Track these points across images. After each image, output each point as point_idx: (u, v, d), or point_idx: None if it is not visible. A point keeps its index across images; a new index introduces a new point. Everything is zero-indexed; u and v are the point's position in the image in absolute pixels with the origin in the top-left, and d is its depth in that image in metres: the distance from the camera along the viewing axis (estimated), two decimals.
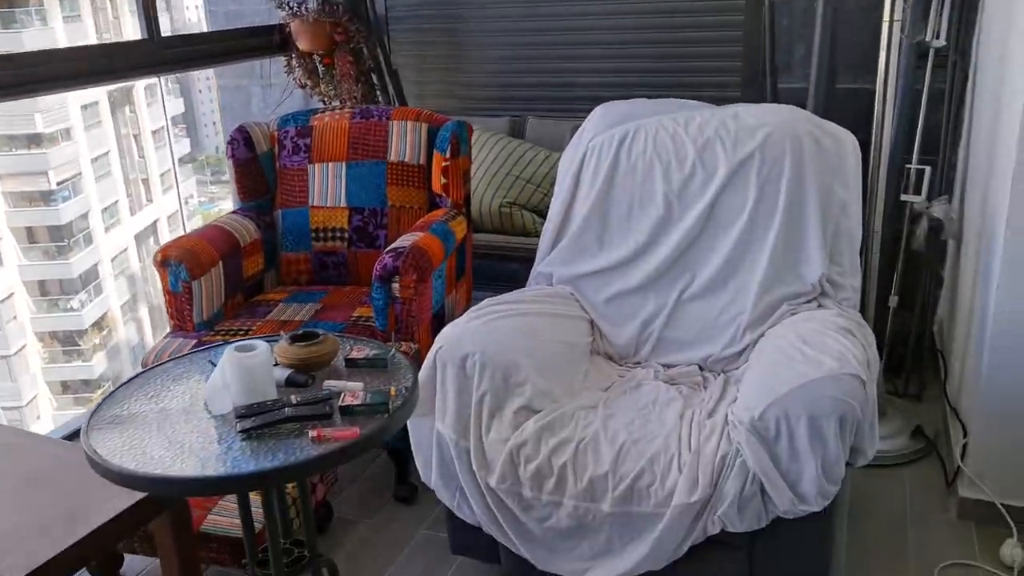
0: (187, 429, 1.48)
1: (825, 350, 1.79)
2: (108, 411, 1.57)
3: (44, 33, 16.66)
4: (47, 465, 1.79)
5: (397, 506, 2.38)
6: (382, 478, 2.51)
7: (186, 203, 21.75)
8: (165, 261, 2.34)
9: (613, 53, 3.15)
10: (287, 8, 3.13)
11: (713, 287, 2.17)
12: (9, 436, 1.93)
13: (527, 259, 2.90)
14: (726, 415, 1.82)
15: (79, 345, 17.75)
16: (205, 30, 3.60)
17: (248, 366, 1.50)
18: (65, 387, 17.78)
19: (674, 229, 2.21)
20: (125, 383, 1.68)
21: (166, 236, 20.20)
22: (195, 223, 21.76)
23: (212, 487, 1.35)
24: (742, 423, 1.70)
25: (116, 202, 19.10)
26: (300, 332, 1.68)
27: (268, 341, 1.76)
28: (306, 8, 3.14)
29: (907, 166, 2.67)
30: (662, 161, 2.23)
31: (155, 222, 20.31)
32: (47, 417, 16.93)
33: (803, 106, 2.63)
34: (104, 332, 18.26)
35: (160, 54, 2.76)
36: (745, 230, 2.14)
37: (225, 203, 21.12)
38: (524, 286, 3.16)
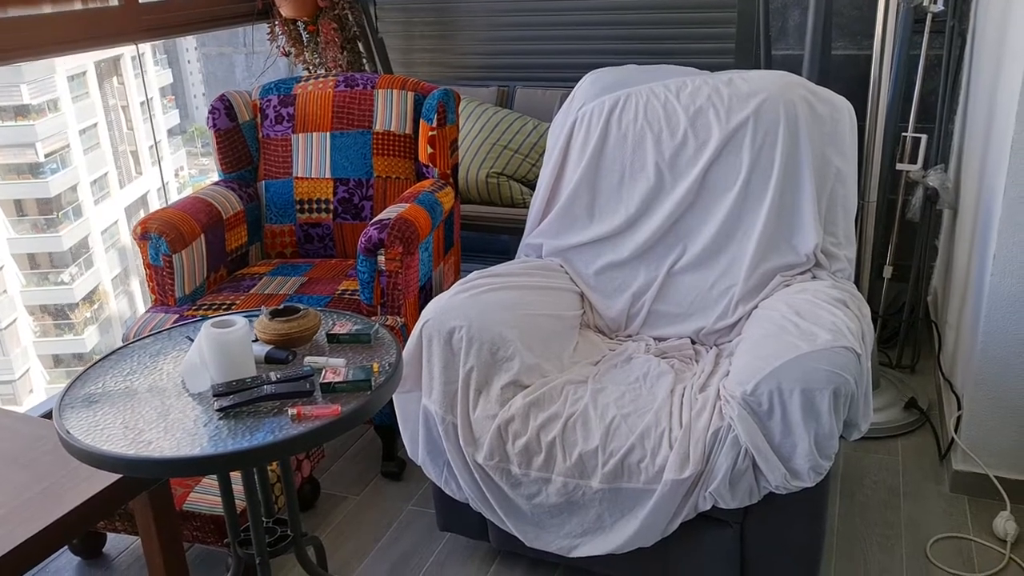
0: (164, 408, 1.44)
1: (819, 322, 1.75)
2: (82, 389, 1.52)
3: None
4: (23, 444, 1.75)
5: (384, 482, 2.35)
6: (369, 453, 2.48)
7: (176, 175, 21.58)
8: (145, 234, 2.29)
9: (603, 20, 3.07)
10: None
11: (705, 258, 2.13)
12: None
13: (515, 230, 2.86)
14: (718, 389, 1.78)
15: (70, 319, 17.68)
16: None
17: (226, 342, 1.46)
18: (57, 361, 17.73)
19: (666, 199, 2.17)
20: (100, 360, 1.63)
21: (156, 208, 20.08)
22: (185, 195, 21.60)
23: (190, 468, 1.30)
24: (734, 397, 1.67)
25: (105, 174, 18.93)
26: (281, 307, 1.63)
27: (248, 317, 1.72)
28: None
29: (903, 134, 2.62)
30: (653, 130, 2.18)
31: (145, 194, 20.15)
32: (40, 390, 16.90)
33: (798, 73, 2.58)
34: (95, 305, 18.17)
35: (140, 20, 2.67)
36: (738, 200, 2.09)
37: (216, 174, 20.97)
38: (513, 258, 3.12)
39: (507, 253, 3.24)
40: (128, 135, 19.89)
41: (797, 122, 2.08)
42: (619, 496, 1.72)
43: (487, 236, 3.20)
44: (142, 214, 18.35)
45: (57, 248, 17.44)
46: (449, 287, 2.60)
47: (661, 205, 2.17)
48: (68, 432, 1.38)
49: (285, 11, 3.07)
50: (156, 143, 19.92)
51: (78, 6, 2.32)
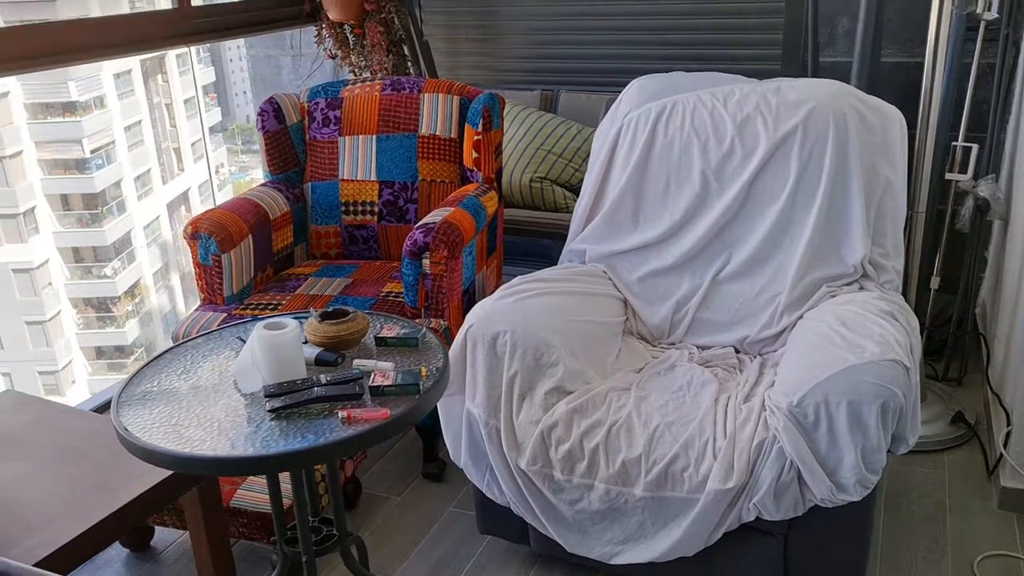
0: (217, 407, 1.47)
1: (866, 334, 1.73)
2: (139, 387, 1.56)
3: (78, 2, 16.73)
4: (79, 438, 1.80)
5: (426, 483, 2.37)
6: (411, 454, 2.50)
7: (217, 172, 21.89)
8: (195, 234, 2.33)
9: (648, 25, 3.07)
10: None
11: (750, 267, 2.12)
12: (41, 408, 1.94)
13: (557, 235, 2.86)
14: (763, 400, 1.77)
15: (112, 312, 18.03)
16: None
17: (278, 344, 1.48)
18: (99, 353, 18.08)
19: (711, 207, 2.16)
20: (155, 358, 1.67)
21: (197, 205, 20.37)
22: (226, 192, 21.90)
23: (242, 467, 1.33)
24: (779, 409, 1.66)
25: (148, 170, 19.27)
26: (330, 309, 1.65)
27: (297, 318, 1.74)
28: None
29: (953, 144, 2.58)
30: (700, 137, 2.17)
31: (186, 191, 20.48)
32: (82, 382, 17.25)
33: (847, 80, 2.55)
34: (136, 299, 18.51)
35: (191, 24, 2.73)
36: (785, 209, 2.08)
37: (256, 172, 21.21)
38: (554, 262, 3.13)
39: (548, 257, 3.24)
40: (171, 132, 20.23)
41: (847, 131, 2.06)
42: (662, 504, 1.72)
43: (528, 239, 3.21)
44: (183, 210, 18.59)
45: (101, 242, 17.80)
46: (492, 290, 2.61)
47: (707, 213, 2.16)
48: (126, 429, 1.41)
49: (332, 14, 3.11)
50: (205, 138, 20.21)
51: (136, 8, 2.37)
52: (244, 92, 24.27)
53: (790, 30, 2.89)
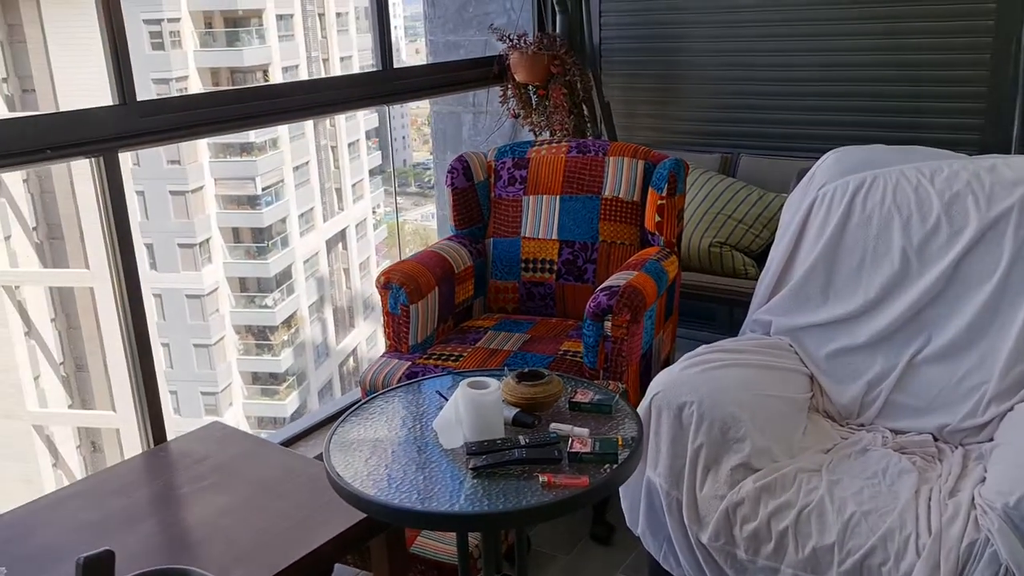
0: (420, 460, 1.53)
1: None
2: (346, 433, 1.64)
3: (262, 51, 18.08)
4: (279, 474, 1.91)
5: (593, 544, 2.36)
6: (580, 514, 2.50)
7: (374, 212, 22.89)
8: (387, 284, 2.45)
9: (836, 91, 3.00)
10: (508, 40, 3.21)
11: (953, 351, 2.02)
12: (244, 442, 2.08)
13: (732, 300, 2.82)
14: (971, 496, 1.67)
15: (270, 340, 19.04)
16: (424, 61, 3.77)
17: (481, 403, 1.53)
18: (255, 378, 19.10)
19: (911, 286, 2.07)
20: (357, 407, 1.75)
21: (353, 242, 21.33)
22: (380, 232, 22.86)
23: (449, 522, 1.38)
24: (993, 508, 1.56)
25: (311, 208, 20.38)
26: (527, 370, 1.69)
27: (495, 377, 1.79)
28: (526, 40, 3.21)
29: None
30: (902, 213, 2.10)
31: (344, 229, 21.49)
32: (238, 405, 18.26)
33: None
34: (292, 330, 19.47)
35: (392, 84, 2.90)
36: (996, 293, 1.97)
37: (410, 213, 22.06)
38: (719, 324, 3.09)
39: (712, 319, 3.20)
40: (334, 173, 21.37)
41: None
42: None
43: (696, 303, 3.17)
44: (340, 247, 19.46)
45: (265, 274, 18.90)
46: (667, 354, 2.60)
47: (905, 292, 2.08)
48: (337, 473, 1.49)
49: (519, 76, 3.23)
50: (395, 181, 21.17)
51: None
52: (403, 138, 25.38)
53: (994, 99, 2.76)
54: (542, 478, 1.43)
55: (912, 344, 2.07)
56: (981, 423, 1.94)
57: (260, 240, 18.96)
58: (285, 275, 19.42)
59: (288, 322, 19.39)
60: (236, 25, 17.98)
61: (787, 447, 1.94)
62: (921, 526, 1.65)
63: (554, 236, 2.68)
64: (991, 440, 1.90)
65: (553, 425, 1.60)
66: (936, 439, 2.01)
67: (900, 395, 2.06)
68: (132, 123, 2.12)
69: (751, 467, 1.84)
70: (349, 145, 21.79)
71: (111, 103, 2.10)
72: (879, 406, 2.08)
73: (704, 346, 2.11)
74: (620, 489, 1.98)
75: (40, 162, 1.97)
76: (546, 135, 3.33)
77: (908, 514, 1.68)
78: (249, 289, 19.16)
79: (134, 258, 2.15)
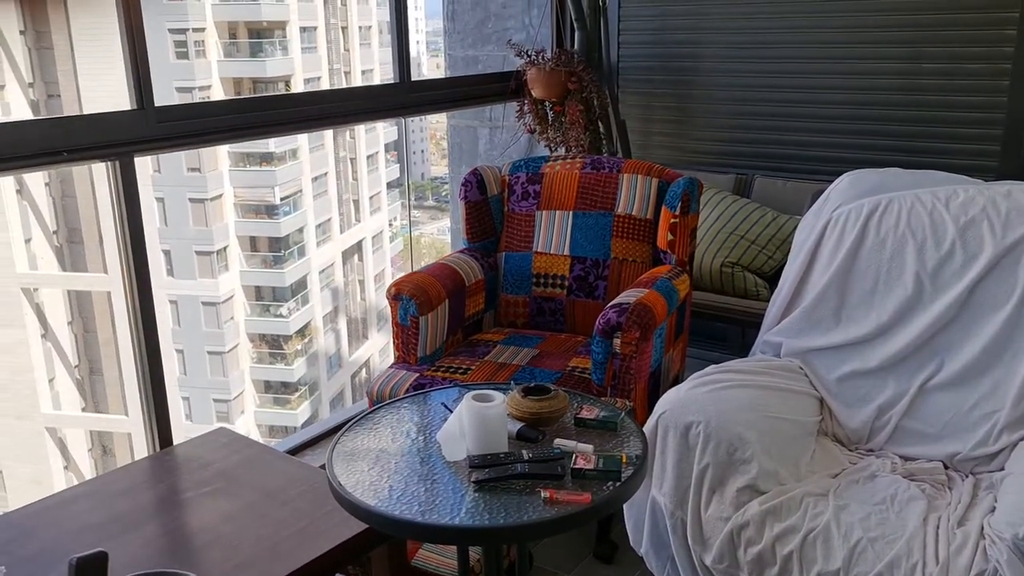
0: (422, 472, 1.52)
1: None
2: (349, 443, 1.64)
3: (284, 62, 18.25)
4: (282, 482, 1.90)
5: (596, 563, 2.34)
6: (583, 531, 2.48)
7: (390, 224, 22.98)
8: (398, 295, 2.45)
9: (853, 114, 2.99)
10: (526, 56, 3.22)
11: (965, 378, 1.99)
12: (248, 448, 2.08)
13: (743, 321, 2.80)
14: (980, 526, 1.65)
15: (283, 349, 19.10)
16: (443, 75, 3.79)
17: (486, 417, 1.53)
18: (267, 387, 19.15)
19: (923, 311, 2.05)
20: (362, 417, 1.75)
21: (369, 254, 21.41)
22: (396, 244, 22.95)
23: (447, 536, 1.37)
24: (1003, 539, 1.53)
25: (328, 219, 20.48)
26: (532, 385, 1.69)
27: (500, 390, 1.79)
28: (543, 57, 3.22)
29: None
30: (916, 238, 2.08)
31: (360, 241, 21.59)
32: (250, 412, 18.30)
33: None
34: (306, 339, 19.53)
35: (409, 97, 2.92)
36: (1010, 320, 1.95)
37: (426, 227, 22.13)
38: (729, 344, 3.06)
39: (723, 339, 3.18)
40: (352, 185, 21.49)
41: None
42: None
43: (706, 323, 3.16)
44: (356, 259, 19.54)
45: (280, 283, 18.99)
46: (676, 372, 2.58)
47: (917, 317, 2.06)
48: (340, 483, 1.49)
49: (536, 92, 3.23)
50: (409, 193, 21.31)
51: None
52: (422, 151, 25.51)
53: (1012, 125, 2.74)
54: (544, 494, 1.42)
55: (924, 370, 2.05)
56: (992, 452, 1.92)
57: (277, 249, 19.05)
58: (300, 285, 19.49)
59: (302, 332, 19.45)
60: (260, 36, 18.17)
61: (794, 470, 1.92)
62: (928, 555, 1.63)
63: (566, 252, 2.67)
64: (1002, 469, 1.88)
65: (557, 441, 1.59)
66: (946, 467, 1.98)
67: (911, 421, 2.04)
68: (149, 128, 2.13)
69: (757, 489, 1.82)
70: (368, 157, 21.91)
71: (130, 108, 2.12)
72: (889, 432, 2.05)
73: (713, 366, 2.10)
74: (624, 508, 1.97)
75: (57, 164, 1.99)
76: (561, 151, 3.33)
77: (915, 542, 1.66)
78: (264, 298, 19.24)
79: (146, 262, 2.17)
